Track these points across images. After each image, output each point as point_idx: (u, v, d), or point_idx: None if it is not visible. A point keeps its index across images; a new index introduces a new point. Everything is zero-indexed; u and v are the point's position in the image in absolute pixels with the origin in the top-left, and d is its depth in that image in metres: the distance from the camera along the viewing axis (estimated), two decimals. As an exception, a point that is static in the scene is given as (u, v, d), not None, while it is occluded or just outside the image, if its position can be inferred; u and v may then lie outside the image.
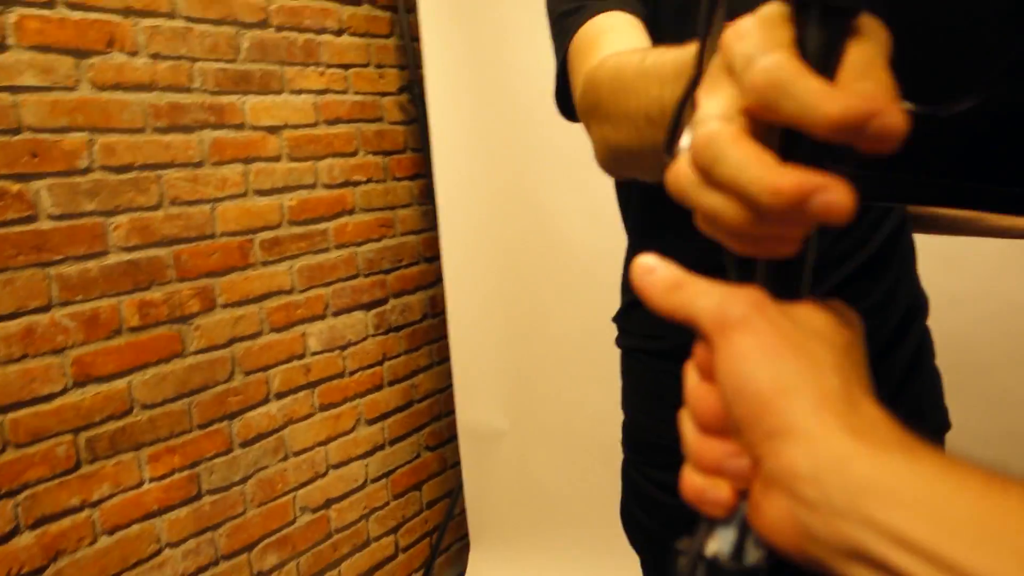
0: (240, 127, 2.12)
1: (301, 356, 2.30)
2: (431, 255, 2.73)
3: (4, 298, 1.66)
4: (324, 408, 2.37)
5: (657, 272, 0.43)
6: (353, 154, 2.48)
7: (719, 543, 0.43)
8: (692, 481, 0.43)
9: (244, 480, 2.15)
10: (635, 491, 1.14)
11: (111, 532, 1.86)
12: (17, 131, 1.68)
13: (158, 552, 1.95)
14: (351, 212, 2.46)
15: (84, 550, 1.81)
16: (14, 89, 1.67)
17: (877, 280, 0.98)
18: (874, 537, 0.35)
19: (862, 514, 0.35)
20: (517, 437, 2.54)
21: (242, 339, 2.13)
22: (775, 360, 0.39)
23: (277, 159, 2.23)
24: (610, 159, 0.75)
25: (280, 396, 2.24)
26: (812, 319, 0.42)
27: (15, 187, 1.67)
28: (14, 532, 1.69)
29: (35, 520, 1.72)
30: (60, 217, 1.75)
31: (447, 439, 2.82)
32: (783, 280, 0.43)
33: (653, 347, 1.08)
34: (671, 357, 1.02)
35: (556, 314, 2.44)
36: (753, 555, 0.43)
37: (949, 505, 0.34)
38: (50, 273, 1.73)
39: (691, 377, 0.44)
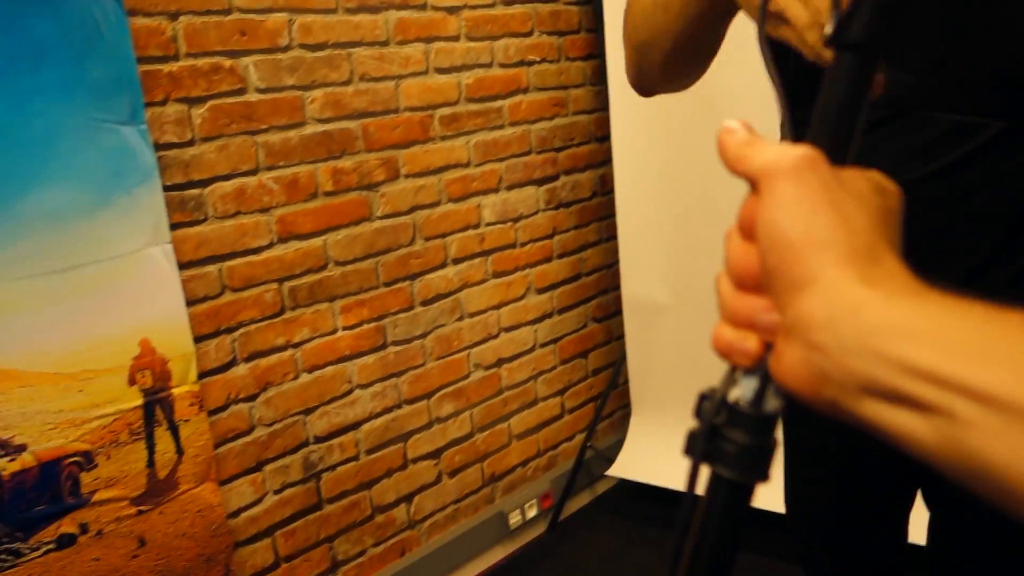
0: (422, 7, 2.26)
1: (476, 226, 2.47)
2: (602, 135, 2.81)
3: (220, 161, 1.91)
4: (497, 275, 2.55)
5: (736, 133, 0.47)
6: (528, 34, 2.57)
7: (742, 390, 0.47)
8: (723, 334, 0.47)
9: (424, 335, 2.38)
10: None
11: (310, 371, 2.14)
12: (228, 11, 1.89)
13: (350, 391, 2.23)
14: (525, 91, 2.57)
15: (288, 383, 2.10)
16: (225, -26, 1.88)
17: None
18: (884, 369, 0.37)
19: (873, 350, 0.38)
20: (679, 312, 2.63)
21: (422, 207, 2.33)
22: (811, 213, 0.42)
23: (456, 38, 2.36)
24: (635, 64, 0.95)
25: (457, 261, 2.43)
26: (856, 182, 0.44)
27: (228, 63, 1.90)
28: (231, 363, 1.99)
29: (248, 354, 2.01)
30: (265, 90, 1.97)
31: (613, 312, 2.95)
32: (835, 143, 0.46)
33: None
34: None
35: (721, 193, 2.47)
36: (772, 404, 0.46)
37: (953, 331, 0.37)
38: (257, 140, 1.97)
39: (733, 236, 0.47)
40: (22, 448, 1.64)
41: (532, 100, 2.60)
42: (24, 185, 1.59)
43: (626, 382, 2.89)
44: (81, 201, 1.67)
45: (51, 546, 1.69)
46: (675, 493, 2.65)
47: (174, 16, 1.80)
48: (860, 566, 1.18)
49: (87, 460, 1.73)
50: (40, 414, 1.66)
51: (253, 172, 1.97)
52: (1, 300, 1.59)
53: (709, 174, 2.48)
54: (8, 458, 1.63)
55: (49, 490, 1.68)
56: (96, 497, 1.75)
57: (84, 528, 1.74)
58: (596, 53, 2.76)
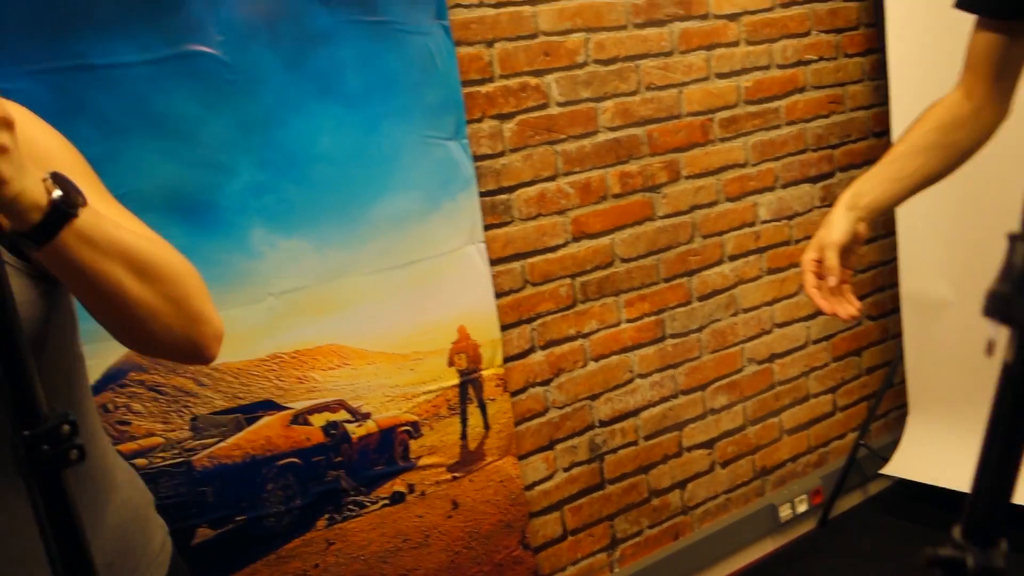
0: (704, 17, 2.37)
1: (752, 224, 2.55)
2: (880, 130, 2.78)
3: (525, 169, 2.13)
4: (771, 272, 2.61)
5: None
6: (806, 34, 2.60)
7: None
8: None
9: (700, 329, 2.49)
10: None
11: (597, 359, 2.32)
12: (535, 36, 2.10)
13: (631, 380, 2.39)
14: (802, 90, 2.61)
15: (578, 370, 2.29)
16: (532, 0, 2.09)
17: None
18: None
19: None
20: (962, 307, 2.55)
21: (701, 207, 2.44)
22: None
23: (736, 44, 2.45)
24: None
25: (733, 259, 2.52)
26: None
27: (534, 81, 2.11)
28: (530, 350, 2.21)
29: (545, 343, 2.23)
30: (564, 104, 2.17)
31: (889, 311, 2.90)
32: None
33: None
34: None
35: (1007, 184, 2.38)
36: None
37: None
38: (556, 149, 2.17)
39: None
40: (367, 416, 1.94)
41: (809, 99, 2.63)
42: (375, 194, 1.89)
43: (902, 382, 2.84)
44: (417, 207, 1.95)
45: (386, 501, 1.99)
46: (954, 494, 2.58)
47: (491, 43, 2.04)
48: None
49: (415, 429, 2.01)
50: (381, 388, 1.96)
51: (552, 178, 2.17)
52: (356, 290, 1.89)
53: (992, 166, 2.40)
54: (357, 424, 1.93)
55: (387, 453, 1.98)
56: (421, 462, 2.03)
57: (411, 488, 2.02)
58: (876, 48, 2.74)
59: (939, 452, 2.69)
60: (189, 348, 0.90)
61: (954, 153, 1.32)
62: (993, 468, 0.56)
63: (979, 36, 1.26)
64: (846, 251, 1.25)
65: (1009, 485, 0.57)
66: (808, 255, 1.26)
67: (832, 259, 1.23)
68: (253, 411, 1.81)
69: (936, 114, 1.33)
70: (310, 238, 1.83)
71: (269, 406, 1.82)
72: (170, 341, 0.88)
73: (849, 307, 1.24)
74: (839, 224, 1.25)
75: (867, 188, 1.29)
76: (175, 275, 0.87)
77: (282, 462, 1.84)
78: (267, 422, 1.82)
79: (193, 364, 0.95)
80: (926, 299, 2.65)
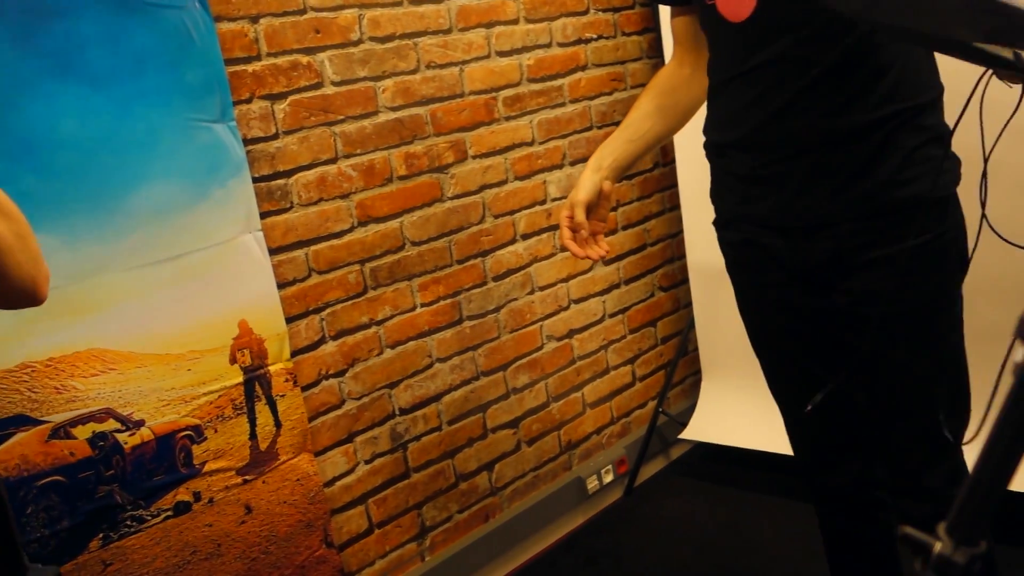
0: (481, -6, 2.36)
1: (543, 202, 2.56)
2: (661, 107, 2.86)
3: (302, 152, 2.03)
4: (564, 249, 2.63)
5: None
6: (584, 12, 2.64)
7: None
8: None
9: (497, 309, 2.48)
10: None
11: (393, 346, 2.26)
12: (303, 11, 2.01)
13: (430, 365, 2.34)
14: (584, 68, 2.65)
15: (374, 359, 2.22)
16: (298, -25, 1.99)
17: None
18: None
19: None
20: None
21: (490, 186, 2.43)
22: None
23: (516, 22, 2.45)
24: None
25: (525, 237, 2.53)
26: None
27: (305, 59, 2.02)
28: (321, 341, 2.12)
29: (336, 332, 2.14)
30: (340, 83, 2.09)
31: (679, 281, 3.01)
32: None
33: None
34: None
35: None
36: None
37: None
38: (335, 131, 2.09)
39: None
40: (140, 423, 1.80)
41: (591, 77, 2.67)
42: (132, 182, 1.74)
43: (695, 349, 2.95)
44: (182, 195, 1.81)
45: (169, 513, 1.85)
46: (748, 453, 2.72)
47: (255, 19, 1.93)
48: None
49: (197, 433, 1.88)
50: (155, 392, 1.81)
51: (332, 161, 2.09)
52: (116, 288, 1.74)
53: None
54: (128, 433, 1.78)
55: (166, 461, 1.84)
56: (207, 468, 1.90)
57: (197, 496, 1.89)
58: (652, 27, 2.82)
59: (731, 414, 2.82)
60: (30, 287, 0.94)
61: (677, 113, 1.56)
62: (993, 468, 0.59)
63: (676, 20, 1.54)
64: (595, 206, 1.50)
65: (1002, 487, 0.60)
66: (562, 212, 1.50)
67: (580, 214, 1.47)
68: (3, 428, 1.62)
69: (659, 82, 1.58)
70: (58, 233, 1.66)
71: (22, 421, 1.65)
72: (18, 279, 0.91)
73: (598, 249, 1.49)
74: (584, 184, 1.50)
75: (608, 151, 1.54)
76: (18, 213, 0.92)
77: (42, 482, 1.67)
78: (21, 439, 1.64)
79: (28, 306, 0.93)
80: (711, 268, 2.76)
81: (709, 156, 1.51)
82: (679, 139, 2.68)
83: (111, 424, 1.76)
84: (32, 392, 1.66)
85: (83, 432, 1.72)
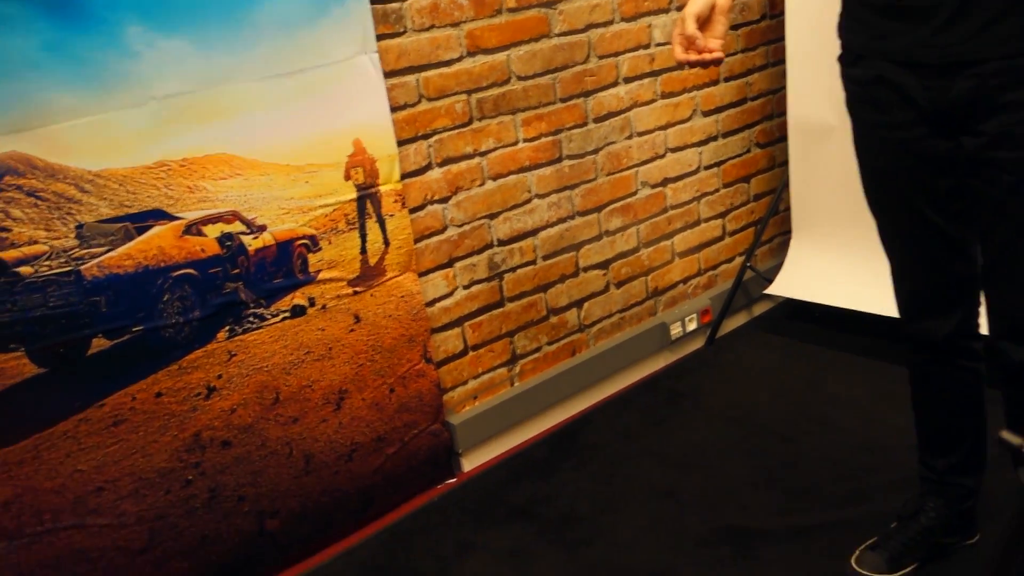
0: None
1: (647, 46, 2.55)
2: (774, -46, 2.79)
3: (418, -24, 2.07)
4: (665, 96, 2.64)
5: None
6: None
7: None
8: None
9: (596, 151, 2.52)
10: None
11: (495, 178, 2.33)
12: None
13: (529, 200, 2.41)
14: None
15: (476, 189, 2.30)
16: None
17: None
18: None
19: None
20: (845, 132, 2.64)
21: (596, 26, 2.42)
22: None
23: None
24: None
25: (628, 80, 2.54)
26: None
27: None
28: (427, 167, 2.20)
29: (442, 160, 2.22)
30: (456, -93, 2.09)
31: (777, 138, 2.99)
32: None
33: None
34: None
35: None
36: None
37: None
38: (449, -43, 2.11)
39: None
40: (263, 228, 1.92)
41: (704, -81, 2.60)
42: (259, -7, 1.81)
43: (786, 209, 2.95)
44: (304, 10, 1.88)
45: (287, 314, 1.99)
46: (832, 312, 2.76)
47: None
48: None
49: (313, 243, 2.00)
50: (276, 200, 1.93)
51: (446, -13, 2.12)
52: (244, 97, 1.83)
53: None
54: (252, 236, 1.91)
55: (284, 266, 1.97)
56: (321, 276, 2.03)
57: (312, 301, 2.03)
58: None
59: (819, 273, 2.84)
60: None
61: None
62: None
63: None
64: (709, 22, 1.43)
65: None
66: (675, 28, 1.43)
67: (690, 26, 1.40)
68: (143, 220, 1.76)
69: None
70: (191, 39, 1.75)
71: (159, 215, 1.78)
72: None
73: (708, 56, 1.42)
74: None
75: None
76: None
77: (177, 273, 1.82)
78: (159, 232, 1.78)
79: None
80: (811, 125, 2.73)
81: None
82: (791, -12, 2.61)
83: (237, 226, 1.88)
84: (168, 189, 1.78)
85: (212, 231, 1.85)
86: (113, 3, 1.63)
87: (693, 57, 1.42)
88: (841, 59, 1.55)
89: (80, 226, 1.68)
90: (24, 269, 1.63)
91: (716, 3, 1.44)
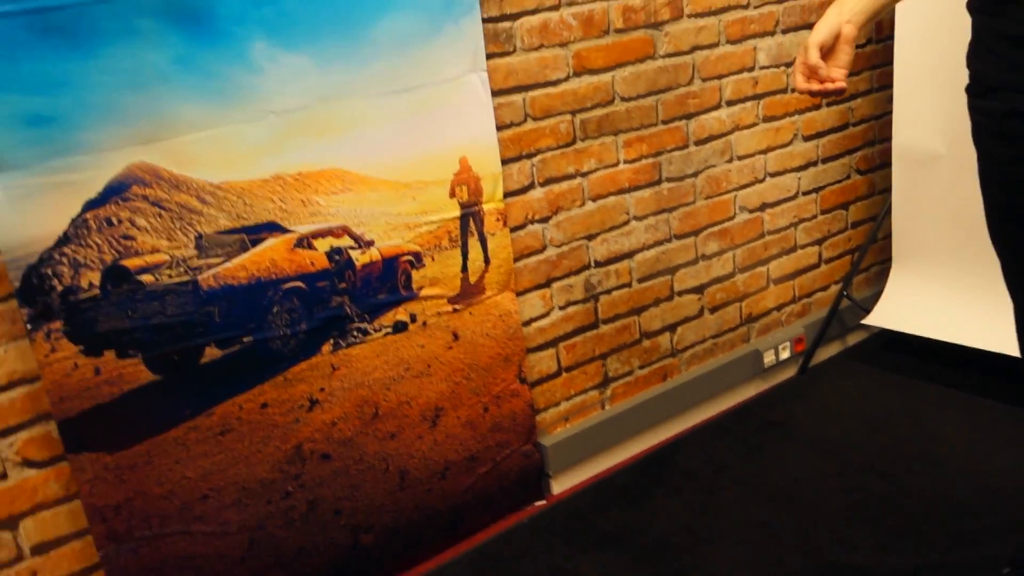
0: None
1: (751, 69, 2.52)
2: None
3: (529, -4, 2.07)
4: (767, 120, 2.60)
5: None
6: None
7: None
8: None
9: (696, 174, 2.49)
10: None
11: (594, 199, 2.32)
12: None
13: (627, 222, 2.39)
14: (806, -69, 2.54)
15: (575, 210, 2.29)
16: None
17: None
18: None
19: None
20: (952, 161, 2.58)
21: (702, 48, 2.40)
22: None
23: None
24: None
25: (730, 104, 2.50)
26: None
27: (539, -99, 2.03)
28: (530, 187, 2.20)
29: (544, 179, 2.21)
30: (569, -72, 2.09)
31: (878, 165, 2.92)
32: None
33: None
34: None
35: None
36: None
37: None
38: (560, -23, 2.11)
39: None
40: (370, 243, 1.93)
41: (812, -58, 2.57)
42: (377, 12, 1.83)
43: (885, 237, 2.88)
44: (419, 28, 1.89)
45: (389, 329, 2.00)
46: (932, 345, 2.67)
47: None
48: None
49: (417, 259, 2.01)
50: (384, 215, 1.94)
51: (556, 8, 2.12)
52: (358, 113, 1.85)
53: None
54: (360, 251, 1.92)
55: (389, 282, 1.98)
56: (423, 292, 2.03)
57: (413, 318, 2.03)
58: None
59: (920, 304, 2.76)
60: None
61: None
62: None
63: None
64: (833, 50, 1.39)
65: None
66: (798, 56, 1.41)
67: (813, 55, 1.37)
68: (258, 232, 1.79)
69: None
70: (311, 55, 1.77)
71: (273, 228, 1.81)
72: None
73: (830, 86, 1.39)
74: (821, 25, 1.39)
75: None
76: None
77: (287, 285, 1.84)
78: (272, 244, 1.81)
79: None
80: (917, 152, 2.66)
81: (976, 13, 1.43)
82: (901, 11, 2.56)
83: (346, 240, 1.90)
84: (282, 202, 1.81)
85: (322, 245, 1.87)
86: (242, 19, 1.67)
87: (815, 87, 1.39)
88: (969, 89, 1.49)
89: (200, 236, 1.72)
90: (146, 277, 1.67)
91: (842, 32, 1.41)
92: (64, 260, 1.59)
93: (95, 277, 1.63)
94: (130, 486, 1.73)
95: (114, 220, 1.63)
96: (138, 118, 1.61)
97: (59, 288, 1.60)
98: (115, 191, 1.62)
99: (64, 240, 1.59)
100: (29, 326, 1.59)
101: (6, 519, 1.67)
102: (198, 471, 1.80)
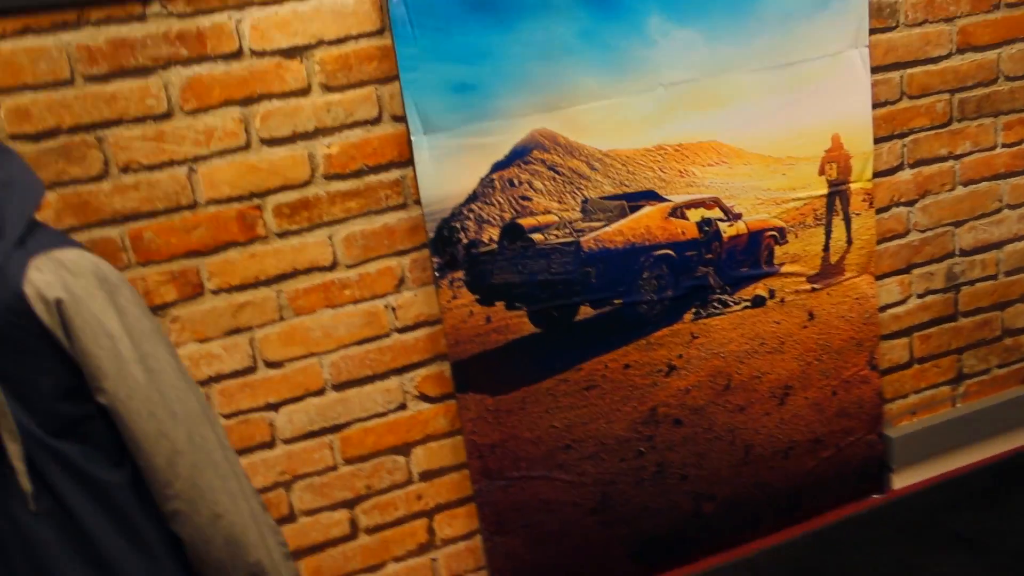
0: None
1: None
2: None
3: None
4: None
5: None
6: None
7: None
8: None
9: (1082, 161, 2.27)
10: None
11: (965, 184, 2.18)
12: None
13: (999, 210, 2.23)
14: None
15: (944, 194, 2.17)
16: None
17: None
18: None
19: None
20: None
21: None
22: None
23: None
24: None
25: None
26: None
27: None
28: (898, 167, 2.11)
29: (914, 160, 2.12)
30: None
31: None
32: None
33: None
34: None
35: None
36: None
37: None
38: (953, -53, 2.00)
39: None
40: (738, 216, 1.96)
41: None
42: (768, -15, 1.84)
43: None
44: (805, 3, 1.88)
45: (747, 303, 2.02)
46: None
47: None
48: None
49: (780, 235, 2.00)
50: (753, 190, 1.95)
51: (945, -21, 2.02)
52: (739, 87, 1.88)
53: None
54: (728, 223, 1.95)
55: (752, 256, 1.99)
56: (783, 269, 2.02)
57: (772, 294, 2.03)
58: None
59: None
60: None
61: None
62: None
63: None
64: None
65: None
66: None
67: None
68: (637, 199, 1.87)
69: None
70: (701, 29, 1.82)
71: (651, 196, 1.88)
72: None
73: None
74: None
75: None
76: None
77: (658, 252, 1.91)
78: (648, 212, 1.88)
79: None
80: None
81: None
82: None
83: (716, 212, 1.93)
84: (661, 172, 1.87)
85: (694, 215, 1.92)
86: (643, -6, 1.75)
87: None
88: None
89: (585, 200, 1.82)
90: (536, 236, 1.80)
91: None
92: (471, 215, 1.76)
93: (495, 233, 1.78)
94: (505, 429, 1.88)
95: (515, 181, 1.77)
96: (544, 87, 1.73)
97: (464, 241, 1.76)
98: (519, 154, 1.76)
99: (472, 197, 1.75)
100: (437, 274, 1.77)
101: (402, 445, 1.88)
102: (563, 422, 1.92)
